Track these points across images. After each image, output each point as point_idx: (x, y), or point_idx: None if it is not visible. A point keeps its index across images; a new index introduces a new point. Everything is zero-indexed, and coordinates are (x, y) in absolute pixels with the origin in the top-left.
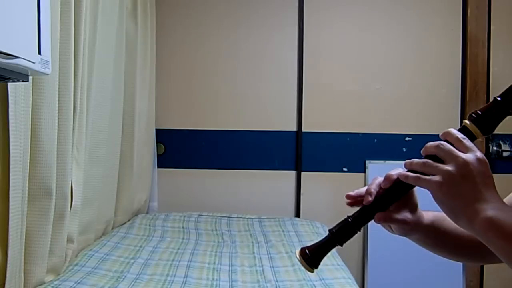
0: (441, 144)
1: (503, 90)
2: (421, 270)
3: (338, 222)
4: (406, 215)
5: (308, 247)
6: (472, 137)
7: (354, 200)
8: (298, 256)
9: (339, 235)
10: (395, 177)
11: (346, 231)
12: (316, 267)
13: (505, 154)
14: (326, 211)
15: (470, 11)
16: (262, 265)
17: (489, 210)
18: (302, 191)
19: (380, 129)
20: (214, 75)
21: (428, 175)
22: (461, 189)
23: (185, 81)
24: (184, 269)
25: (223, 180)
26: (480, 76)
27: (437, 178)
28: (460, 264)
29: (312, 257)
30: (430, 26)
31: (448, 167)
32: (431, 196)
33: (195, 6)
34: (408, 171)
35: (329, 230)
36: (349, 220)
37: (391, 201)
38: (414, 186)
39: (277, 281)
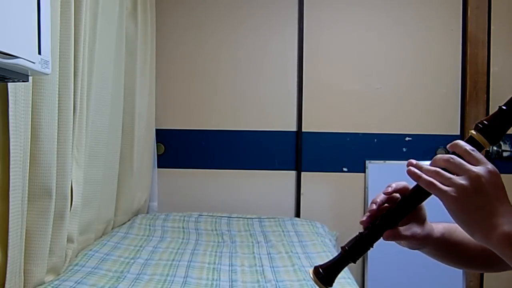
0: (451, 158)
1: (508, 98)
2: (422, 270)
3: (350, 239)
4: (415, 230)
5: (321, 266)
6: (479, 148)
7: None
8: (311, 275)
9: (352, 252)
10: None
11: (359, 248)
12: (331, 285)
13: (505, 154)
14: (326, 211)
15: (470, 11)
16: (262, 265)
17: (506, 225)
18: (302, 191)
19: (380, 129)
20: (214, 75)
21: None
22: (475, 204)
23: (185, 81)
24: (184, 269)
25: (223, 180)
26: (480, 76)
27: (451, 191)
28: None
29: (325, 275)
30: (430, 26)
31: (462, 181)
32: (444, 206)
33: (195, 6)
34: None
35: (342, 248)
36: (361, 236)
37: (403, 215)
38: (425, 199)
39: (277, 281)
